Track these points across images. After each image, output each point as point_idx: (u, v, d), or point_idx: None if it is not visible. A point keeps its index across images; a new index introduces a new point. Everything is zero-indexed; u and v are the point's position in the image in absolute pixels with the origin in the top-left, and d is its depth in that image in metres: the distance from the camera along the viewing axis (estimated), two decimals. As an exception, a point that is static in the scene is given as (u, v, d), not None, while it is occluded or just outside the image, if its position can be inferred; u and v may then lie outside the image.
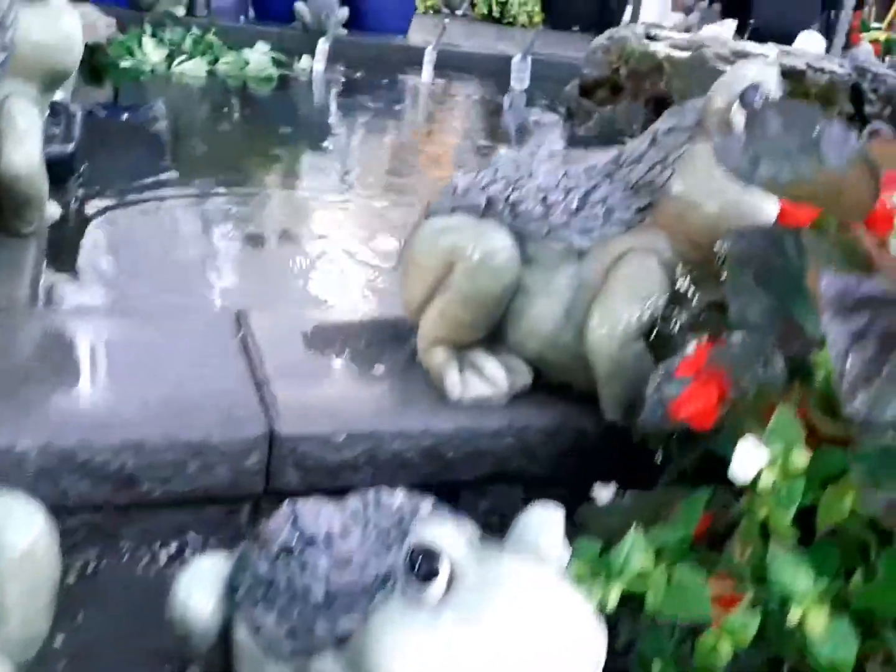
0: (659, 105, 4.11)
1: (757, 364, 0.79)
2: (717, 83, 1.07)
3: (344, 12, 5.72)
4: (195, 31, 4.76)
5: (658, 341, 1.09)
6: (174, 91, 4.03)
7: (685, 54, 4.06)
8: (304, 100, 4.53)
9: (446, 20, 5.22)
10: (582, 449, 1.17)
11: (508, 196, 1.17)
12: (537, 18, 10.26)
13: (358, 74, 5.13)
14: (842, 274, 0.74)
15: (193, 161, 2.95)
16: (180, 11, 5.45)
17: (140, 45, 4.33)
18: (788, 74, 4.02)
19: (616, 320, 1.10)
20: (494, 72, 5.46)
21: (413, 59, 5.31)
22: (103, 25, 4.11)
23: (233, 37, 5.07)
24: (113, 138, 2.86)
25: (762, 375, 0.78)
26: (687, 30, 6.91)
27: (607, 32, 4.51)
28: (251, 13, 6.10)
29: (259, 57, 4.59)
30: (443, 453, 1.13)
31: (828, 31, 7.56)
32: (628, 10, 10.81)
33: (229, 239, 2.16)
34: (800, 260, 0.90)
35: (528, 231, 1.15)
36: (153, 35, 4.63)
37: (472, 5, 10.47)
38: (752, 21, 6.95)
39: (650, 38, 4.36)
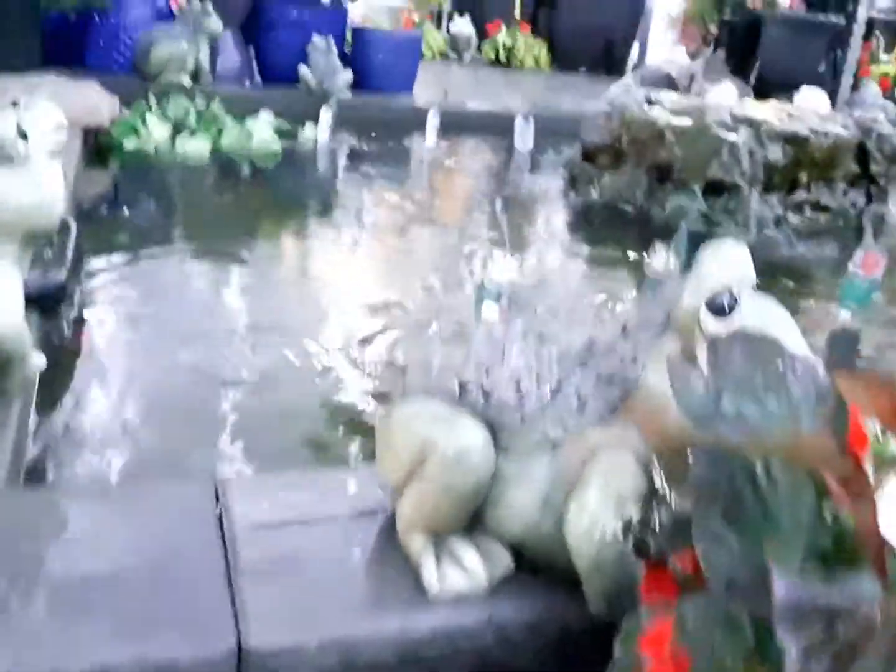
0: (662, 172, 4.11)
1: (720, 634, 0.76)
2: (689, 283, 1.05)
3: (348, 75, 5.76)
4: (199, 101, 4.81)
5: (638, 539, 1.06)
6: (176, 176, 4.06)
7: (686, 122, 4.05)
8: (308, 176, 4.54)
9: (447, 90, 5.21)
10: (566, 643, 1.14)
11: (482, 382, 1.15)
12: (544, 62, 10.31)
13: (362, 141, 5.16)
14: (800, 582, 0.71)
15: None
16: (185, 81, 5.51)
17: (144, 121, 4.37)
18: (792, 140, 4.01)
19: (594, 522, 1.08)
20: (499, 129, 5.47)
21: (418, 120, 5.33)
22: (106, 107, 4.16)
23: (237, 104, 5.11)
24: (110, 244, 2.88)
25: (725, 647, 0.75)
26: (690, 78, 6.92)
27: (608, 97, 4.51)
28: (257, 77, 6.16)
29: (262, 128, 4.62)
30: (421, 655, 1.11)
31: (834, 72, 7.54)
32: (634, 50, 10.87)
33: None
34: (773, 495, 0.88)
35: (503, 421, 1.14)
36: (158, 105, 4.69)
37: (480, 50, 10.54)
38: (757, 66, 6.95)
39: (650, 102, 4.36)
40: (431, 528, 1.18)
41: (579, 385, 1.12)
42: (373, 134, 5.28)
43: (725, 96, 4.34)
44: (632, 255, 3.47)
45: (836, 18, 6.81)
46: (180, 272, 2.87)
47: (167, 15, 5.74)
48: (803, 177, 4.14)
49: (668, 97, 4.42)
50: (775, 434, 0.82)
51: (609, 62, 10.44)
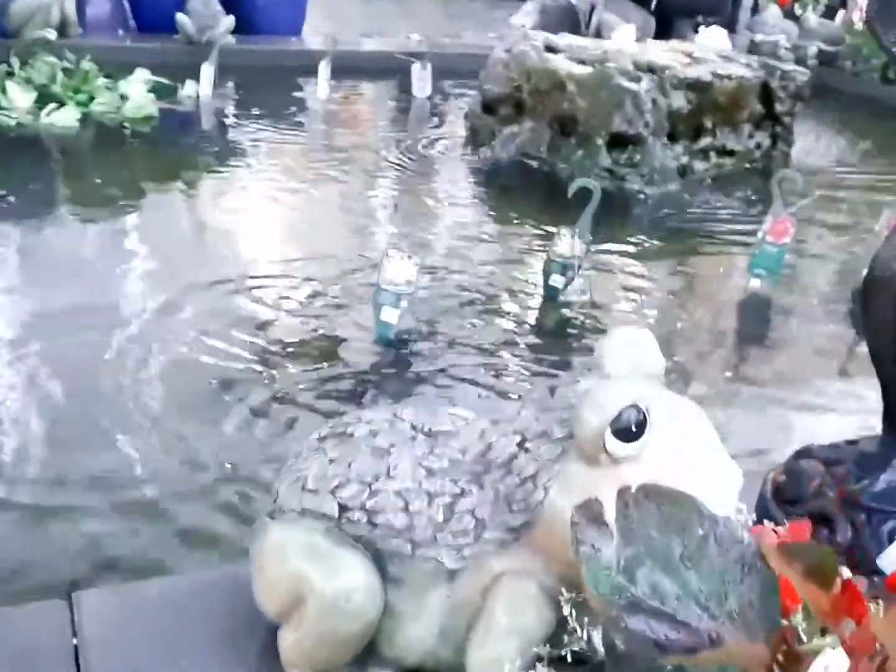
0: (564, 124, 3.94)
1: None
2: (589, 397, 0.91)
3: (230, 20, 5.38)
4: (68, 59, 4.40)
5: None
6: (42, 151, 3.71)
7: (588, 70, 3.87)
8: (186, 140, 4.21)
9: (335, 37, 4.89)
10: None
11: (364, 502, 1.01)
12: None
13: (249, 95, 4.82)
14: None
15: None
16: (51, 34, 5.05)
17: (4, 91, 3.98)
18: (695, 86, 3.88)
19: (496, 658, 0.96)
20: (395, 72, 5.19)
21: (309, 65, 5.00)
22: (-42, 79, 3.76)
23: (110, 57, 4.71)
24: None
25: None
26: (591, 7, 6.69)
27: (504, 43, 4.29)
28: (132, 26, 5.70)
29: (137, 89, 4.27)
30: None
31: (735, -6, 7.42)
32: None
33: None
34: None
35: (391, 549, 0.99)
36: (22, 66, 4.27)
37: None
38: (656, -6, 6.77)
39: (550, 49, 4.16)
40: (315, 668, 1.04)
41: (476, 505, 0.98)
42: (264, 89, 4.95)
43: (626, 39, 4.17)
44: (536, 231, 3.31)
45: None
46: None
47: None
48: (708, 122, 4.03)
49: (569, 42, 4.23)
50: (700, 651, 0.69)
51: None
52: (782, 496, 1.42)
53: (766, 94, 4.26)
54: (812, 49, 6.74)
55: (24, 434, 1.84)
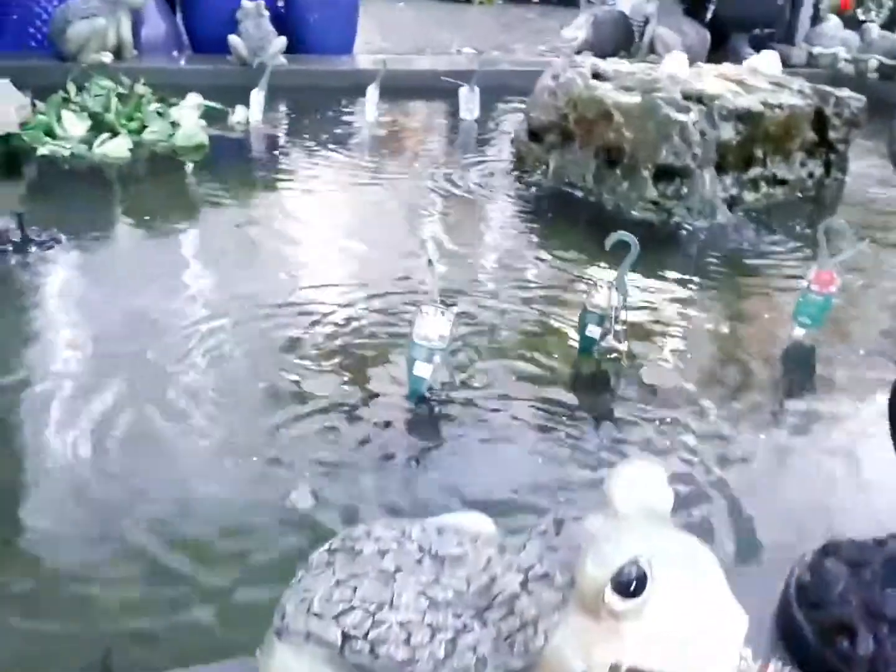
0: (611, 154, 3.90)
1: None
2: (593, 549, 0.90)
3: (281, 42, 5.44)
4: (123, 83, 4.49)
5: None
6: (94, 183, 3.79)
7: (635, 100, 3.83)
8: (237, 168, 4.25)
9: (385, 58, 4.91)
10: None
11: (367, 632, 1.02)
12: (496, -6, 9.91)
13: (299, 118, 4.87)
14: None
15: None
16: (107, 58, 5.17)
17: (59, 119, 4.08)
18: (745, 117, 3.82)
19: None
20: (443, 92, 5.19)
21: (360, 85, 5.04)
22: (13, 111, 3.86)
23: (164, 80, 4.81)
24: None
25: None
26: (645, 20, 6.61)
27: (552, 70, 4.26)
28: (187, 47, 5.80)
29: (189, 116, 4.33)
30: None
31: (794, 5, 7.27)
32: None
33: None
34: None
35: (392, 682, 1.00)
36: (78, 91, 4.37)
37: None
38: (710, 5, 6.67)
39: (597, 76, 4.12)
40: None
41: (478, 642, 0.98)
42: (314, 112, 5.01)
43: (676, 65, 4.11)
44: (578, 265, 3.29)
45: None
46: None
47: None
48: (758, 152, 3.96)
49: (617, 68, 4.19)
50: None
51: (563, -9, 10.03)
52: (806, 597, 1.40)
53: (820, 121, 4.17)
54: (872, 62, 6.57)
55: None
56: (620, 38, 6.99)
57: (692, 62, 6.40)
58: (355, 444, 2.12)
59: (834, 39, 6.88)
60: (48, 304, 2.79)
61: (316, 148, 4.53)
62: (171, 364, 2.38)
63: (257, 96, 4.53)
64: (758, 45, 6.83)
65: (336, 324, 2.71)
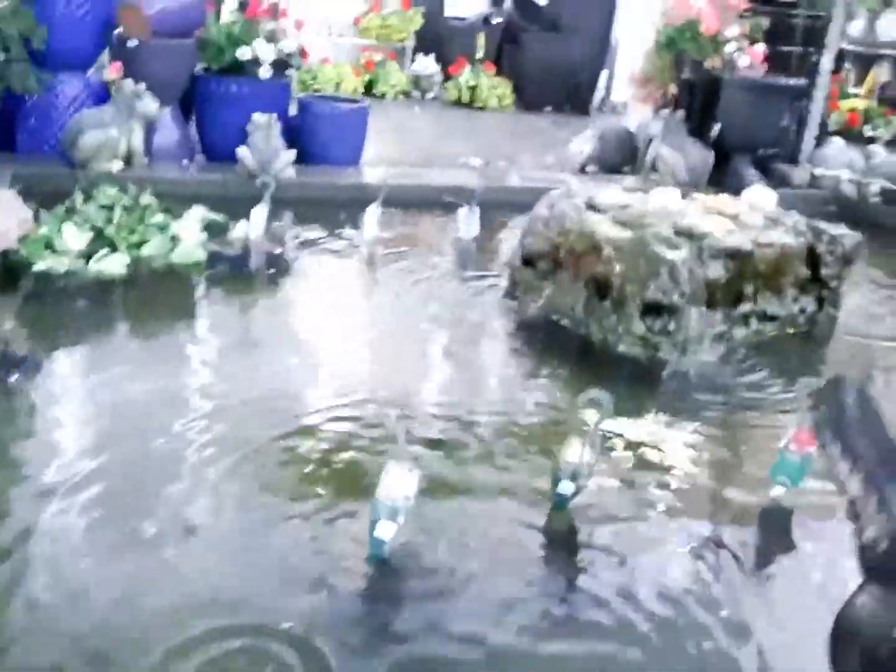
0: (601, 287, 3.92)
1: None
2: None
3: (289, 155, 5.56)
4: (130, 195, 4.58)
5: None
6: (87, 303, 3.84)
7: (626, 235, 3.86)
8: (230, 287, 4.28)
9: (388, 175, 5.00)
10: None
11: None
12: (508, 102, 10.14)
13: (300, 232, 4.94)
14: None
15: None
16: (116, 167, 5.30)
17: (60, 232, 4.15)
18: (734, 255, 3.84)
19: None
20: (445, 206, 5.27)
21: (363, 198, 5.12)
22: (14, 226, 3.94)
23: (172, 190, 4.92)
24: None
25: None
26: (649, 140, 6.73)
27: (547, 200, 4.31)
28: (199, 156, 5.93)
29: (190, 231, 4.40)
30: None
31: (799, 126, 7.37)
32: (599, 91, 10.70)
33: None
34: None
35: None
36: (85, 200, 4.45)
37: (445, 88, 10.37)
38: (716, 126, 6.79)
39: (592, 207, 4.17)
40: None
41: None
42: (313, 222, 5.09)
43: (668, 198, 4.16)
44: (560, 401, 3.29)
45: (795, 81, 6.65)
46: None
47: (103, 95, 5.51)
48: (748, 289, 3.96)
49: (612, 200, 4.22)
50: None
51: (574, 102, 10.27)
52: None
53: (813, 258, 4.19)
54: (875, 187, 6.63)
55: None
56: (625, 154, 7.11)
57: (695, 182, 6.54)
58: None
59: (837, 161, 6.96)
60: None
61: (313, 266, 4.58)
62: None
63: (258, 213, 4.60)
64: (761, 166, 6.94)
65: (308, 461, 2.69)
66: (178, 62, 5.65)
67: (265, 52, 5.58)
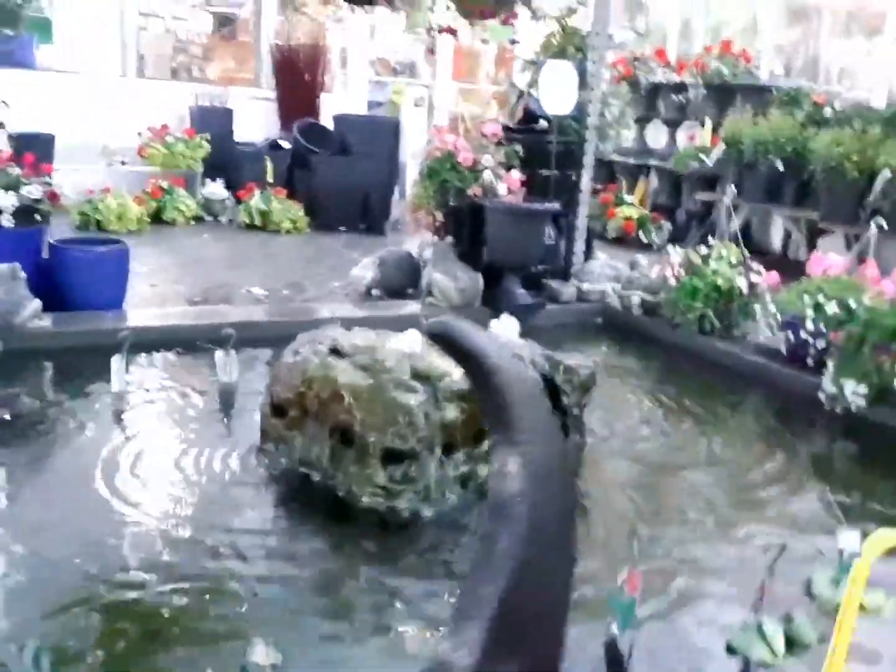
0: (345, 435, 3.86)
1: None
2: None
3: (35, 304, 5.30)
4: None
5: None
6: None
7: (366, 382, 3.85)
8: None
9: (129, 328, 4.80)
10: None
11: None
12: (301, 224, 10.20)
13: (33, 391, 4.65)
14: None
15: None
16: None
17: None
18: (468, 397, 3.87)
19: None
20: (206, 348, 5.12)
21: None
22: None
23: None
24: None
25: None
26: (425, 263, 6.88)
27: (293, 346, 4.27)
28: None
29: None
30: None
31: (568, 243, 7.75)
32: (394, 212, 10.98)
33: None
34: None
35: None
36: None
37: (239, 212, 10.33)
38: (484, 250, 7.02)
39: (335, 352, 4.15)
40: None
41: None
42: (57, 383, 4.82)
43: (412, 341, 4.19)
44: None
45: (551, 203, 7.02)
46: None
47: None
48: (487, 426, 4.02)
49: (357, 343, 4.21)
50: None
51: (367, 222, 10.48)
52: None
53: (554, 388, 4.32)
54: (635, 298, 7.01)
55: None
56: (408, 277, 7.25)
57: (467, 303, 6.72)
58: None
59: (601, 277, 7.35)
60: None
61: (43, 432, 4.29)
62: None
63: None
64: (534, 283, 7.22)
65: None
66: None
67: (4, 200, 5.35)
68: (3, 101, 6.38)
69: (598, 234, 11.11)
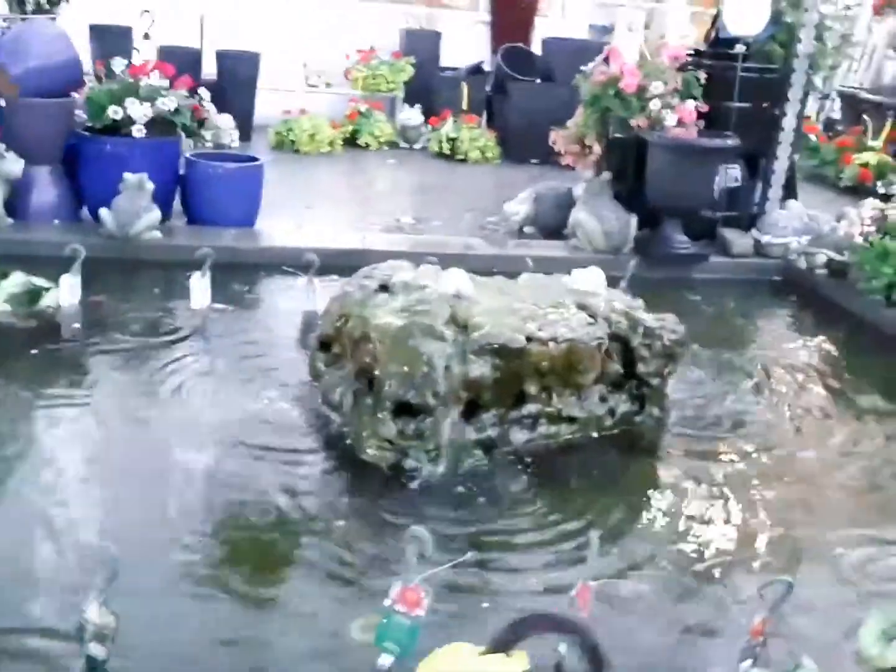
0: (368, 380, 3.52)
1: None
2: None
3: (151, 217, 5.35)
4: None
5: None
6: None
7: (398, 322, 3.45)
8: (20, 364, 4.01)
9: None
10: None
11: None
12: (492, 154, 9.78)
13: (119, 302, 4.70)
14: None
15: None
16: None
17: None
18: (502, 352, 3.40)
19: None
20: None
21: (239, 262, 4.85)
22: None
23: (31, 251, 4.90)
24: None
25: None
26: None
27: (352, 279, 3.94)
28: (86, 214, 5.78)
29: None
30: None
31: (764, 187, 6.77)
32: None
33: None
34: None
35: None
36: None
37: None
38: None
39: (384, 288, 3.78)
40: None
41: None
42: (142, 294, 4.87)
43: (459, 282, 3.70)
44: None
45: (732, 141, 6.07)
46: None
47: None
48: (531, 388, 3.49)
49: (409, 280, 3.79)
50: None
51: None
52: None
53: (627, 353, 3.69)
54: (820, 257, 6.00)
55: None
56: (562, 216, 6.66)
57: (613, 249, 6.03)
58: None
59: (786, 230, 6.33)
60: None
61: (118, 343, 4.28)
62: None
63: (67, 281, 4.38)
64: (700, 230, 6.38)
65: None
66: (51, 121, 5.54)
67: (137, 111, 5.41)
68: (146, 10, 6.44)
69: (830, 182, 9.75)
